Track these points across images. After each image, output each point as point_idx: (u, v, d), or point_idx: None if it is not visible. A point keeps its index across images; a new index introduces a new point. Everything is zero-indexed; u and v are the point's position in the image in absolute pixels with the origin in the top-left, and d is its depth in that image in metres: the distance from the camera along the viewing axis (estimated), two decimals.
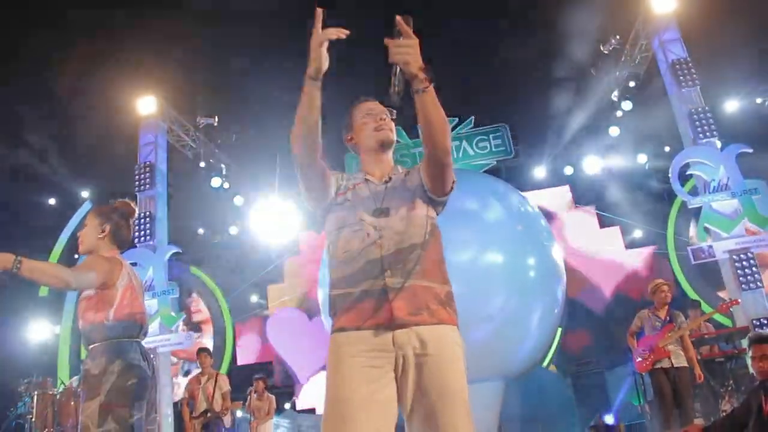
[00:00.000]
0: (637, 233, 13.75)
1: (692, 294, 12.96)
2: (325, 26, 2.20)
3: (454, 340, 2.25)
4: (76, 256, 15.49)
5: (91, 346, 3.27)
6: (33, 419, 9.29)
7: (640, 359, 6.66)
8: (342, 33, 2.21)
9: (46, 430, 9.27)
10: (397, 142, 10.56)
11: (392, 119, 2.65)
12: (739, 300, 8.70)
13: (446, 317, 2.27)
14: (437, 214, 2.52)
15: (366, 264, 2.28)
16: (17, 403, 10.42)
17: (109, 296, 3.29)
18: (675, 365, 6.41)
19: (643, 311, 6.92)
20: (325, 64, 2.21)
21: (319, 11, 2.18)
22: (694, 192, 10.88)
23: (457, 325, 2.33)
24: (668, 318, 6.63)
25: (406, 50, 2.15)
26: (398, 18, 2.15)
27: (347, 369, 2.16)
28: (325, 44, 2.18)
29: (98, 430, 3.04)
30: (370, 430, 2.07)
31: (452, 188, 2.49)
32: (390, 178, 2.54)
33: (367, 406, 2.10)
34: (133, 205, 3.74)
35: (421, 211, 2.42)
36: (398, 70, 2.21)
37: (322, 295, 12.71)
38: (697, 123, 10.59)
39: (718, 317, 12.61)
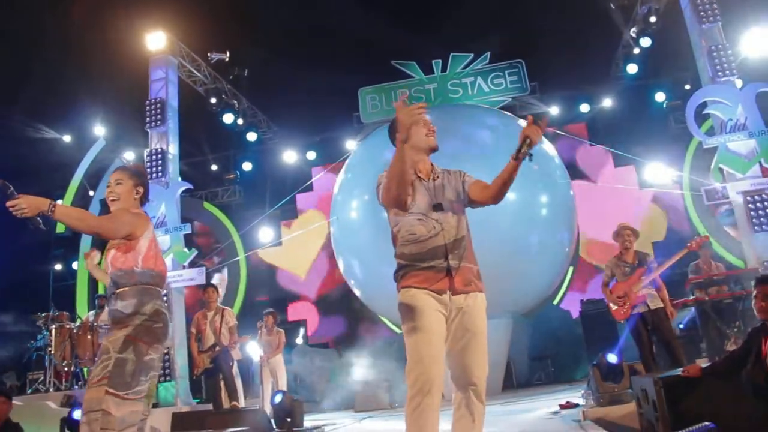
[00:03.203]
0: (653, 173, 13.57)
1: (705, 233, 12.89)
2: None
3: (484, 301, 3.19)
4: (91, 193, 15.71)
5: (119, 290, 3.45)
6: (52, 351, 9.54)
7: (615, 307, 6.56)
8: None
9: (65, 362, 9.52)
10: (412, 77, 10.47)
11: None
12: (709, 237, 8.56)
13: (482, 288, 3.20)
14: None
15: (433, 248, 3.09)
16: (36, 336, 10.69)
17: (136, 246, 3.51)
18: (652, 308, 6.35)
19: (611, 259, 6.79)
20: None
21: (404, 100, 3.06)
22: (711, 132, 10.70)
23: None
24: (637, 261, 6.55)
25: (538, 134, 2.97)
26: (544, 119, 3.09)
27: (424, 303, 3.02)
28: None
29: (117, 354, 3.25)
30: (440, 337, 3.01)
31: None
32: (437, 176, 3.30)
33: (441, 331, 3.02)
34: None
35: (462, 211, 3.26)
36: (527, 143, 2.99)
37: (334, 230, 12.82)
38: (716, 60, 10.32)
39: (730, 258, 12.59)
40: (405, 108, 2.96)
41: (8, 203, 3.04)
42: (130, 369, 3.26)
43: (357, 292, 12.97)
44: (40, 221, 3.19)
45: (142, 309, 3.39)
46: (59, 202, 3.22)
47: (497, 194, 3.15)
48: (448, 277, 3.06)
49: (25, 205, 3.04)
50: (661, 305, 6.35)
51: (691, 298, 8.60)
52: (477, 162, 10.08)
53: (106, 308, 10.02)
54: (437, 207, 3.16)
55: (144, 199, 3.77)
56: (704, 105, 10.49)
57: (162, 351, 3.55)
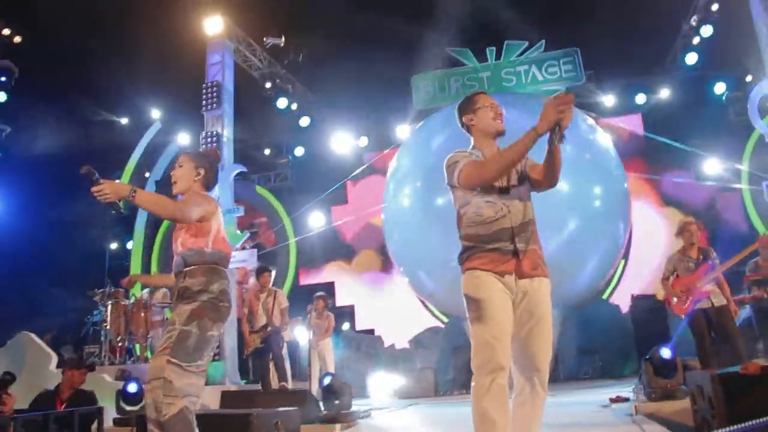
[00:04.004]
0: (710, 166, 13.22)
1: (763, 231, 12.54)
2: None
3: (549, 286, 3.15)
4: (147, 174, 16.07)
5: (188, 268, 3.56)
6: (108, 327, 9.82)
7: (676, 301, 6.42)
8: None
9: (120, 337, 9.80)
10: (464, 65, 10.38)
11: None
12: None
13: (547, 272, 3.16)
14: None
15: (500, 230, 3.06)
16: (93, 312, 11.01)
17: (206, 228, 3.62)
18: (715, 305, 6.18)
19: (673, 254, 6.61)
20: None
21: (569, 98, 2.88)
22: None
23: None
24: (702, 257, 6.37)
25: (565, 114, 2.80)
26: (568, 94, 2.87)
27: (490, 285, 3.00)
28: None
29: (182, 327, 3.38)
30: (507, 320, 2.98)
31: None
32: None
33: (504, 307, 2.99)
34: (219, 153, 4.10)
35: (528, 195, 3.22)
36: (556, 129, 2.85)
37: (386, 218, 12.87)
38: None
39: None
40: (553, 101, 2.85)
41: (93, 189, 3.17)
42: (193, 342, 3.37)
43: (406, 279, 13.01)
44: (121, 206, 3.37)
45: (210, 287, 3.49)
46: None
47: (546, 179, 3.15)
48: (515, 260, 3.05)
49: (108, 190, 3.18)
50: (725, 302, 6.19)
51: (749, 296, 8.36)
52: None
53: (162, 289, 10.34)
54: (504, 190, 3.14)
55: (207, 182, 3.82)
56: (767, 97, 10.17)
57: (222, 330, 3.65)
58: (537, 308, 3.04)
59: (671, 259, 6.57)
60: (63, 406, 5.98)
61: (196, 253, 3.56)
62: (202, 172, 3.78)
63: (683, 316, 6.40)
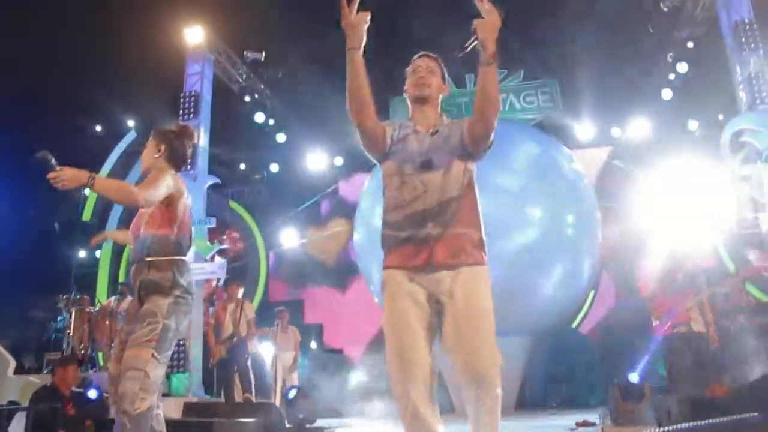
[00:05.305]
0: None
1: (730, 265, 12.71)
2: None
3: (484, 276, 2.64)
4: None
5: (152, 258, 3.45)
6: (71, 334, 9.62)
7: (657, 323, 6.50)
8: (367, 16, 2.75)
9: (83, 345, 9.60)
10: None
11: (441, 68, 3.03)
12: None
13: (480, 259, 2.65)
14: (475, 165, 2.86)
15: (411, 214, 2.66)
16: (57, 318, 10.78)
17: (172, 213, 3.51)
18: (694, 330, 6.24)
19: (661, 276, 6.73)
20: (364, 37, 2.75)
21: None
22: (745, 161, 10.56)
23: (487, 266, 2.70)
24: (687, 280, 6.45)
25: (491, 26, 2.67)
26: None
27: (396, 291, 2.62)
28: (365, 24, 2.72)
29: (165, 320, 3.34)
30: (420, 340, 2.55)
31: (489, 148, 2.83)
32: (437, 131, 2.84)
33: (416, 323, 2.57)
34: (191, 128, 3.90)
35: (460, 166, 2.74)
36: (475, 39, 2.66)
37: (358, 237, 12.79)
38: (756, 88, 10.21)
39: (755, 292, 12.35)
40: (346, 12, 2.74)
41: (49, 175, 3.08)
42: (171, 336, 3.37)
43: (376, 299, 12.94)
44: (87, 194, 3.27)
45: (180, 281, 3.44)
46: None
47: (476, 116, 2.74)
48: (427, 249, 2.62)
49: (66, 177, 3.08)
50: (704, 330, 6.24)
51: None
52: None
53: (128, 297, 10.16)
54: (426, 164, 2.73)
55: (172, 158, 3.67)
56: (739, 133, 10.36)
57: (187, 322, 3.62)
58: (466, 307, 2.56)
59: (658, 279, 6.63)
60: (70, 405, 5.95)
61: (159, 240, 3.46)
62: (163, 147, 3.66)
63: (661, 338, 6.45)
